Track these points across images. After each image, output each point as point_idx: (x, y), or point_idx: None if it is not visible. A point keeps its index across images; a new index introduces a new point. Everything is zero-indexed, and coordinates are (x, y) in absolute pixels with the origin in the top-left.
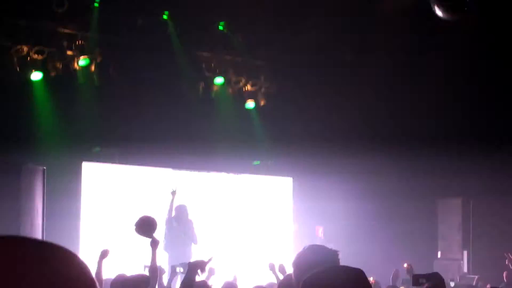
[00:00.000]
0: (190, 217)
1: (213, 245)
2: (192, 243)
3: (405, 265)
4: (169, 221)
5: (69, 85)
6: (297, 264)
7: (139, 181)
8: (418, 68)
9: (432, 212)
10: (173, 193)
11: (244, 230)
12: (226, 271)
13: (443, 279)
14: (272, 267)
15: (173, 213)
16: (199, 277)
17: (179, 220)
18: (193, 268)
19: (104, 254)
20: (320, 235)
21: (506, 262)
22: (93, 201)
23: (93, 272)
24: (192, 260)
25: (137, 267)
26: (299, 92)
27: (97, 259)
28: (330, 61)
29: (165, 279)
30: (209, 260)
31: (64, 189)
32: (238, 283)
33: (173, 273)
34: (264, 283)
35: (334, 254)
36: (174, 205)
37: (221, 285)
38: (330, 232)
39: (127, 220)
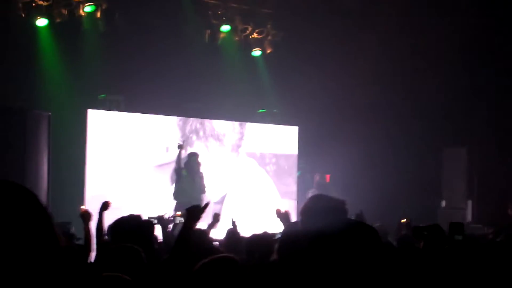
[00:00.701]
0: (201, 168)
1: (218, 195)
2: (201, 194)
3: (404, 220)
4: (178, 170)
5: (74, 32)
6: (303, 213)
7: (145, 128)
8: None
9: (438, 160)
10: (180, 147)
11: (249, 179)
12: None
13: (444, 231)
14: (279, 213)
15: (182, 163)
16: (203, 224)
17: (189, 168)
18: (189, 216)
19: (105, 206)
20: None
21: (509, 212)
22: (99, 148)
23: (94, 223)
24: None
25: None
26: (306, 40)
27: (98, 210)
28: (337, 8)
29: None
30: (205, 206)
31: (70, 136)
32: (241, 231)
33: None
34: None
35: (341, 203)
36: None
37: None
38: (336, 179)
39: (133, 168)
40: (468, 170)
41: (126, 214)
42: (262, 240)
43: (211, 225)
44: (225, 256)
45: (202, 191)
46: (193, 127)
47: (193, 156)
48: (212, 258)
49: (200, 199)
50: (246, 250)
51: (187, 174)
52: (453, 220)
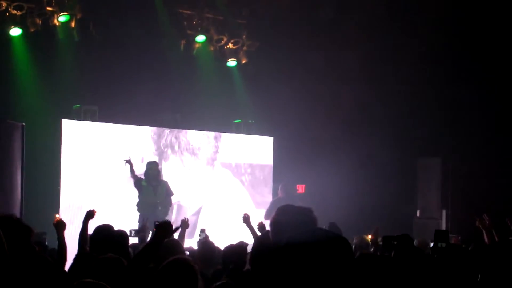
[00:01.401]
0: (165, 177)
1: (194, 207)
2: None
3: (369, 237)
4: (136, 182)
5: (49, 42)
6: (272, 226)
7: (119, 139)
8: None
9: (413, 170)
10: (128, 162)
11: (224, 190)
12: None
13: (412, 240)
14: (246, 220)
15: (139, 175)
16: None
17: (148, 177)
18: (158, 232)
19: (90, 214)
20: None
21: (476, 224)
22: (74, 159)
23: (77, 233)
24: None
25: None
26: (280, 50)
27: (83, 219)
28: (312, 19)
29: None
30: (177, 228)
31: (44, 147)
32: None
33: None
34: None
35: (308, 211)
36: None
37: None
38: (312, 191)
39: (108, 178)
40: (442, 180)
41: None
42: (237, 251)
43: (181, 233)
44: (179, 257)
45: (167, 196)
46: (168, 141)
47: (151, 164)
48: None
49: (166, 207)
50: (222, 261)
51: (146, 184)
52: (427, 230)
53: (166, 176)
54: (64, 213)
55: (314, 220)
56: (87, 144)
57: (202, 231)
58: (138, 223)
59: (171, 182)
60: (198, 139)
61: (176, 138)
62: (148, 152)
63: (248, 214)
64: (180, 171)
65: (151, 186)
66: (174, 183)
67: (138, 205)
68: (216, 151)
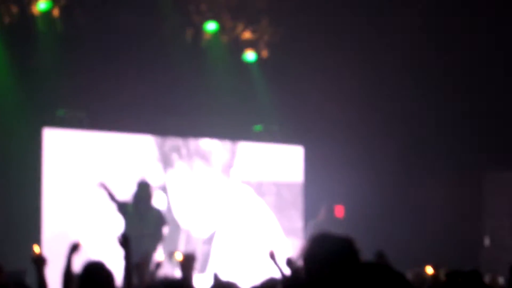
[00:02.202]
0: (170, 189)
1: (205, 231)
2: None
3: (430, 273)
4: (120, 208)
5: (26, 34)
6: (305, 260)
7: (113, 150)
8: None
9: (478, 187)
10: (101, 185)
11: (244, 212)
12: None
13: (481, 277)
14: (273, 257)
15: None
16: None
17: (137, 202)
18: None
19: (74, 248)
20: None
21: None
22: (58, 175)
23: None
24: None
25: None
26: (311, 40)
27: (66, 253)
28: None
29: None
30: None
31: (21, 161)
32: (236, 278)
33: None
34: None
35: (348, 243)
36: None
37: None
38: (351, 212)
39: (98, 200)
40: None
41: (93, 256)
42: None
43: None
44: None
45: (157, 226)
46: (174, 144)
47: (142, 186)
48: None
49: (155, 239)
50: None
51: (133, 210)
52: (499, 262)
53: (171, 188)
54: (47, 244)
55: (356, 253)
56: (73, 157)
57: (215, 276)
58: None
59: (177, 195)
60: (210, 144)
61: (184, 140)
62: (148, 161)
63: (273, 250)
64: (188, 180)
65: (138, 214)
66: (181, 197)
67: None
68: (233, 157)
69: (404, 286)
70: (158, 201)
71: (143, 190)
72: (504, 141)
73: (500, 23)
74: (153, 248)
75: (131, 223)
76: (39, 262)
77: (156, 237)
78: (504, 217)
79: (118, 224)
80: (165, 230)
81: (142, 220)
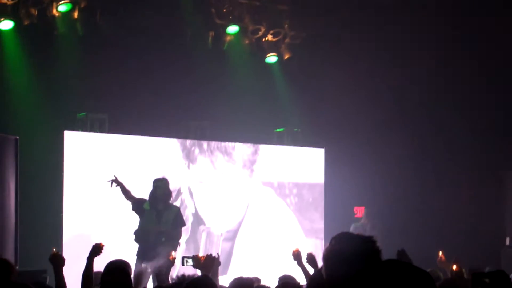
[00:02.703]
0: (193, 184)
1: (228, 227)
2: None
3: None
4: (136, 205)
5: (46, 36)
6: (325, 259)
7: (134, 153)
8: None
9: (499, 186)
10: (115, 181)
11: (264, 212)
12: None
13: (509, 277)
14: (298, 257)
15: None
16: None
17: (152, 199)
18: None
19: (96, 250)
20: (362, 218)
21: None
22: (79, 177)
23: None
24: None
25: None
26: (332, 43)
27: (88, 254)
28: (371, 1)
29: None
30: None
31: (43, 163)
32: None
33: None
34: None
35: (370, 243)
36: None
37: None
38: (373, 213)
39: (120, 202)
40: None
41: (114, 258)
42: None
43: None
44: None
45: (175, 226)
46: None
47: (159, 182)
48: None
49: (172, 239)
50: None
51: (149, 208)
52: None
53: (194, 183)
54: (68, 245)
55: (377, 252)
56: (94, 159)
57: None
58: (136, 258)
59: (200, 193)
60: (229, 151)
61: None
62: (171, 166)
63: (299, 249)
64: (210, 176)
65: (155, 211)
66: (204, 194)
67: (136, 233)
68: (255, 153)
69: (427, 282)
70: (178, 201)
71: (161, 186)
72: None
73: None
74: (171, 246)
75: (147, 221)
76: (57, 261)
77: (173, 236)
78: None
79: (135, 222)
80: (182, 230)
81: (158, 219)
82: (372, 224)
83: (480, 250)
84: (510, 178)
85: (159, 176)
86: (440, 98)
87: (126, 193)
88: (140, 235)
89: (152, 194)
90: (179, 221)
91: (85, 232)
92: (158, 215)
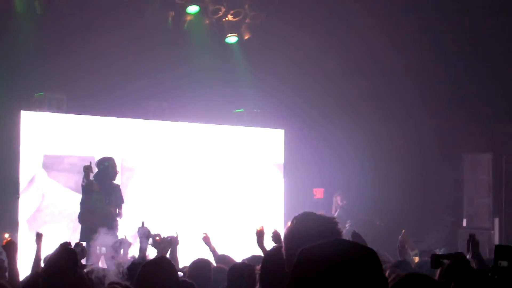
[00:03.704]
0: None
1: (187, 211)
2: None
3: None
4: (86, 186)
5: (4, 15)
6: (286, 238)
7: (93, 133)
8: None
9: (457, 170)
10: (87, 168)
11: (224, 193)
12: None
13: (467, 260)
14: (260, 235)
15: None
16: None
17: (100, 178)
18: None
19: (40, 236)
20: (338, 203)
21: None
22: (36, 159)
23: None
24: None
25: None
26: (292, 23)
27: (35, 240)
28: None
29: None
30: None
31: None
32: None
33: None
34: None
35: (330, 222)
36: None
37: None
38: (331, 193)
39: (77, 183)
40: (494, 180)
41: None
42: (243, 271)
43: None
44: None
45: (119, 206)
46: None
47: (107, 161)
48: None
49: (114, 219)
50: (227, 282)
51: (98, 188)
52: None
53: (150, 164)
54: (23, 228)
55: (338, 233)
56: (52, 140)
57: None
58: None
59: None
60: (188, 131)
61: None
62: (129, 148)
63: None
64: (168, 157)
65: (104, 191)
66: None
67: (80, 215)
68: (214, 141)
69: (377, 263)
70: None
71: (112, 166)
72: (479, 125)
73: None
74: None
75: (95, 199)
76: (10, 248)
77: (119, 214)
78: (481, 199)
79: (82, 202)
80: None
81: (106, 196)
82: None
83: (438, 231)
84: (468, 161)
85: (105, 156)
86: (400, 80)
87: (87, 177)
88: (85, 215)
89: (100, 174)
90: (121, 199)
91: (42, 215)
92: (107, 195)
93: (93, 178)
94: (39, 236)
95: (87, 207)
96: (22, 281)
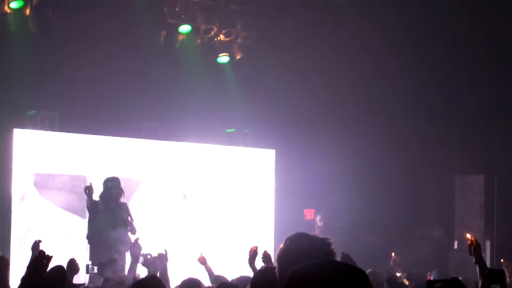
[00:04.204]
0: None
1: (179, 230)
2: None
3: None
4: (91, 206)
5: None
6: (279, 259)
7: (84, 152)
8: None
9: (449, 192)
10: (88, 189)
11: (215, 212)
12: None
13: (463, 285)
14: (252, 258)
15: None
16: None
17: (104, 198)
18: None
19: (37, 244)
20: (317, 223)
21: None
22: (28, 177)
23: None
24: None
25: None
26: (283, 44)
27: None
28: (321, 4)
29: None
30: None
31: None
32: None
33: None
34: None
35: (323, 243)
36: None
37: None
38: (324, 217)
39: (71, 202)
40: (486, 202)
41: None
42: None
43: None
44: None
45: (124, 225)
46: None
47: (113, 182)
48: None
49: (122, 237)
50: None
51: (103, 209)
52: (467, 265)
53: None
54: (16, 246)
55: (331, 254)
56: (44, 159)
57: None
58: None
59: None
60: (179, 151)
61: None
62: (125, 166)
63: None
64: (161, 176)
65: (110, 213)
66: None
67: (89, 235)
68: (205, 161)
69: (365, 281)
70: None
71: (115, 187)
72: (471, 147)
73: None
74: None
75: (101, 219)
76: (1, 264)
77: (131, 231)
78: (472, 221)
79: (89, 223)
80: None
81: (112, 216)
82: (330, 229)
83: (429, 254)
84: (460, 183)
85: (110, 175)
86: (392, 101)
87: (91, 199)
88: (94, 234)
89: (104, 194)
90: (129, 216)
91: (34, 233)
92: (113, 216)
93: (98, 199)
94: (36, 245)
95: (94, 229)
96: None
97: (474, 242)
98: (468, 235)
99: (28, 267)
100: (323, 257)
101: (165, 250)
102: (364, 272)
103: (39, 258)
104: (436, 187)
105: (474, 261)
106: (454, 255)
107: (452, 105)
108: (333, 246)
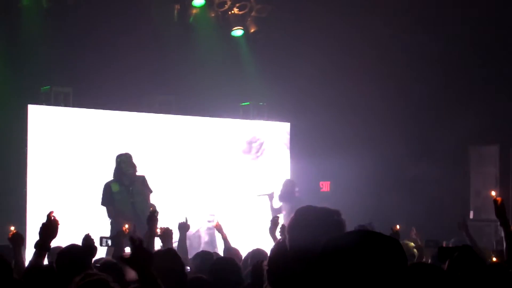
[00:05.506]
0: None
1: (193, 203)
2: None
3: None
4: (104, 197)
5: (10, 9)
6: (290, 230)
7: (98, 127)
8: None
9: (463, 162)
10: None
11: (230, 186)
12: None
13: (476, 254)
14: (274, 225)
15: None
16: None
17: (118, 176)
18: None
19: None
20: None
21: None
22: (43, 153)
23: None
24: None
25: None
26: (299, 16)
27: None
28: None
29: None
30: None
31: (6, 138)
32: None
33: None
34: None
35: (335, 215)
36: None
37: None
38: (338, 186)
39: (85, 177)
40: (501, 173)
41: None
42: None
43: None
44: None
45: (145, 196)
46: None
47: (122, 157)
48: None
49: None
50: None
51: (118, 189)
52: (483, 235)
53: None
54: (31, 221)
55: (341, 224)
56: (59, 134)
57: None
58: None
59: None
60: (194, 124)
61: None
62: (138, 142)
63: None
64: (177, 151)
65: (125, 190)
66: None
67: (113, 224)
68: (220, 134)
69: (400, 252)
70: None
71: (125, 162)
72: (486, 116)
73: None
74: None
75: (120, 201)
76: (16, 241)
77: (147, 205)
78: (486, 191)
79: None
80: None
81: (129, 193)
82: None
83: (445, 225)
84: (475, 153)
85: (122, 151)
86: (408, 71)
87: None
88: (117, 217)
89: (117, 170)
90: (147, 189)
91: (49, 208)
92: (129, 192)
93: (113, 176)
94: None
95: (114, 212)
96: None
97: (499, 202)
98: (493, 193)
99: (39, 233)
100: (333, 227)
101: (186, 218)
102: (398, 241)
103: (47, 223)
104: (451, 157)
105: (499, 223)
106: (470, 225)
107: (466, 74)
108: (343, 217)
